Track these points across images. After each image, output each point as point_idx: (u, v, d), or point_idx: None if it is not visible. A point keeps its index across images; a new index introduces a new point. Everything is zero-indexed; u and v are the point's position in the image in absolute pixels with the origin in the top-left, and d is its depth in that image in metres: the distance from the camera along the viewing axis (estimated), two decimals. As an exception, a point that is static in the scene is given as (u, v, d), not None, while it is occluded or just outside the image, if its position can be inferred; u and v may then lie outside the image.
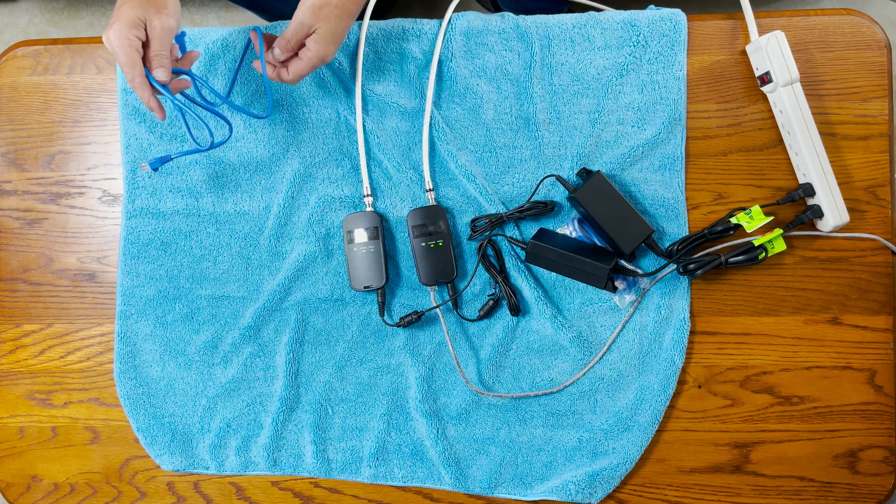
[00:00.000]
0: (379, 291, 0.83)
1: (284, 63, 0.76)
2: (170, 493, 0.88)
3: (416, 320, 0.83)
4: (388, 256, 0.84)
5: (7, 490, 0.90)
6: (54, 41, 0.90)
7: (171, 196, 0.87)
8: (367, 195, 0.84)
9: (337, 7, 0.72)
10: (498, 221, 0.82)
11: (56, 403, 0.89)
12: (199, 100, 0.79)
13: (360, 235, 0.83)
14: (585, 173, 0.81)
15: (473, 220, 0.83)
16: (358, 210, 0.85)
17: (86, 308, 0.89)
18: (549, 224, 0.84)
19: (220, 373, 0.87)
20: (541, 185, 0.83)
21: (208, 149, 0.78)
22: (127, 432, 0.88)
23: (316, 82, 0.85)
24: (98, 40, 0.89)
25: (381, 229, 0.83)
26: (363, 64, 0.84)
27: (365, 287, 0.83)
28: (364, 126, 0.84)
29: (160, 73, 0.69)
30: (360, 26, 0.84)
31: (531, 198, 0.82)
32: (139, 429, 0.87)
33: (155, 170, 0.82)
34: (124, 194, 0.87)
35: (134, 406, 0.87)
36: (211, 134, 0.78)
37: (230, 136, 0.81)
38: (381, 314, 0.84)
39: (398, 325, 0.84)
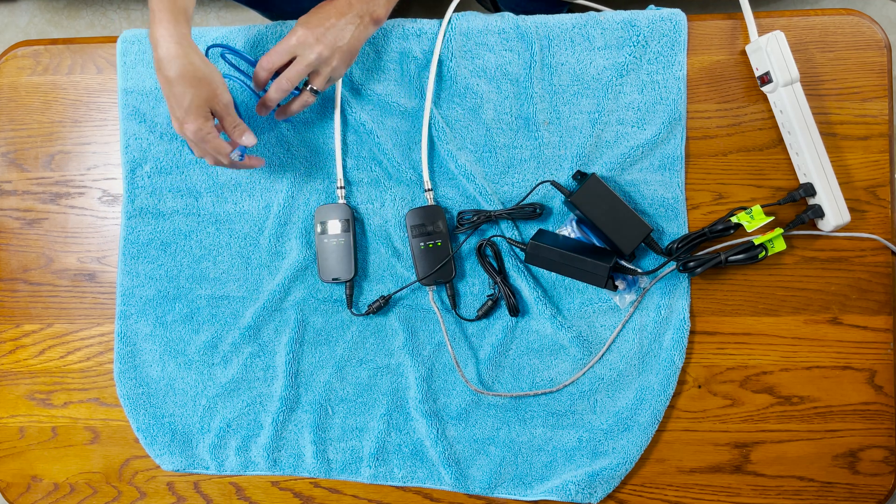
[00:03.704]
0: (347, 284, 0.84)
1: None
2: (170, 493, 0.88)
3: (383, 305, 0.84)
4: (359, 249, 0.85)
5: (7, 490, 0.90)
6: (54, 41, 0.90)
7: (170, 196, 0.87)
8: (341, 187, 0.84)
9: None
10: (486, 218, 0.82)
11: (56, 403, 0.89)
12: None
13: (332, 227, 0.83)
14: (580, 176, 0.81)
15: (460, 213, 0.83)
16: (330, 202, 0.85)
17: (86, 308, 0.89)
18: (545, 225, 0.84)
19: (220, 373, 0.87)
20: (538, 188, 0.83)
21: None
22: (127, 432, 0.88)
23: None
24: (98, 40, 0.89)
25: (353, 222, 0.84)
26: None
27: (333, 279, 0.83)
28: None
29: (248, 139, 0.75)
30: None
31: (521, 202, 0.82)
32: (139, 429, 0.87)
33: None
34: (124, 194, 0.87)
35: (134, 406, 0.87)
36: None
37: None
38: (349, 306, 0.84)
39: (366, 314, 0.84)
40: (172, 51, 0.68)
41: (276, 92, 0.75)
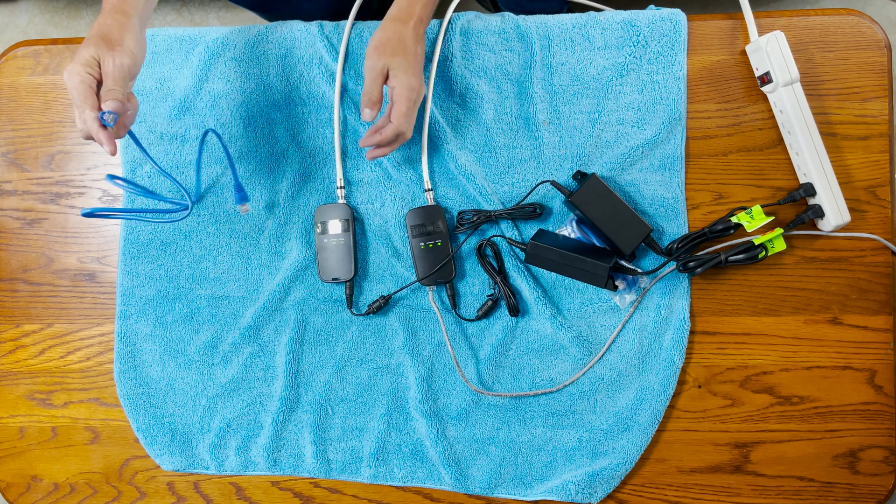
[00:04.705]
0: (347, 284, 0.84)
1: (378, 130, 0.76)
2: (170, 493, 0.88)
3: (383, 305, 0.84)
4: (359, 249, 0.85)
5: (7, 490, 0.90)
6: (54, 41, 0.90)
7: (170, 196, 0.87)
8: (341, 187, 0.84)
9: (399, 41, 0.73)
10: (486, 218, 0.82)
11: (56, 403, 0.89)
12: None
13: (332, 227, 0.83)
14: (580, 176, 0.81)
15: (460, 213, 0.83)
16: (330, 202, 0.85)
17: (86, 308, 0.89)
18: (545, 225, 0.84)
19: (220, 373, 0.87)
20: (538, 188, 0.83)
21: (165, 221, 0.81)
22: (127, 432, 0.88)
23: (315, 83, 0.85)
24: (98, 40, 0.89)
25: (353, 222, 0.84)
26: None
27: (333, 279, 0.83)
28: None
29: (110, 105, 0.67)
30: (351, 24, 0.85)
31: (521, 202, 0.82)
32: (139, 429, 0.87)
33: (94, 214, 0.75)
34: (124, 194, 0.87)
35: (134, 406, 0.87)
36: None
37: (189, 211, 0.79)
38: (349, 306, 0.84)
39: (366, 314, 0.84)
40: (103, 11, 0.70)
41: (369, 106, 0.74)
